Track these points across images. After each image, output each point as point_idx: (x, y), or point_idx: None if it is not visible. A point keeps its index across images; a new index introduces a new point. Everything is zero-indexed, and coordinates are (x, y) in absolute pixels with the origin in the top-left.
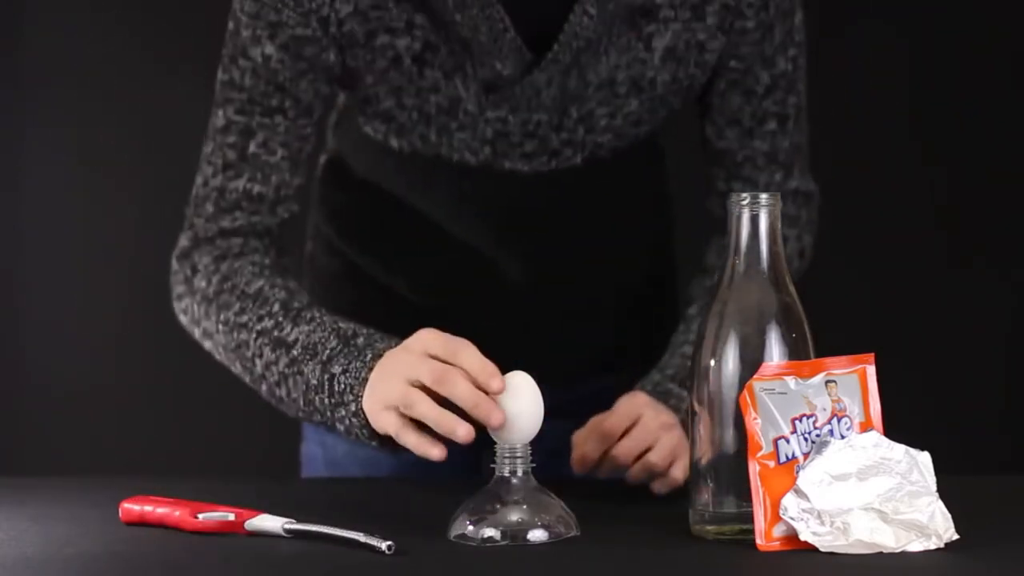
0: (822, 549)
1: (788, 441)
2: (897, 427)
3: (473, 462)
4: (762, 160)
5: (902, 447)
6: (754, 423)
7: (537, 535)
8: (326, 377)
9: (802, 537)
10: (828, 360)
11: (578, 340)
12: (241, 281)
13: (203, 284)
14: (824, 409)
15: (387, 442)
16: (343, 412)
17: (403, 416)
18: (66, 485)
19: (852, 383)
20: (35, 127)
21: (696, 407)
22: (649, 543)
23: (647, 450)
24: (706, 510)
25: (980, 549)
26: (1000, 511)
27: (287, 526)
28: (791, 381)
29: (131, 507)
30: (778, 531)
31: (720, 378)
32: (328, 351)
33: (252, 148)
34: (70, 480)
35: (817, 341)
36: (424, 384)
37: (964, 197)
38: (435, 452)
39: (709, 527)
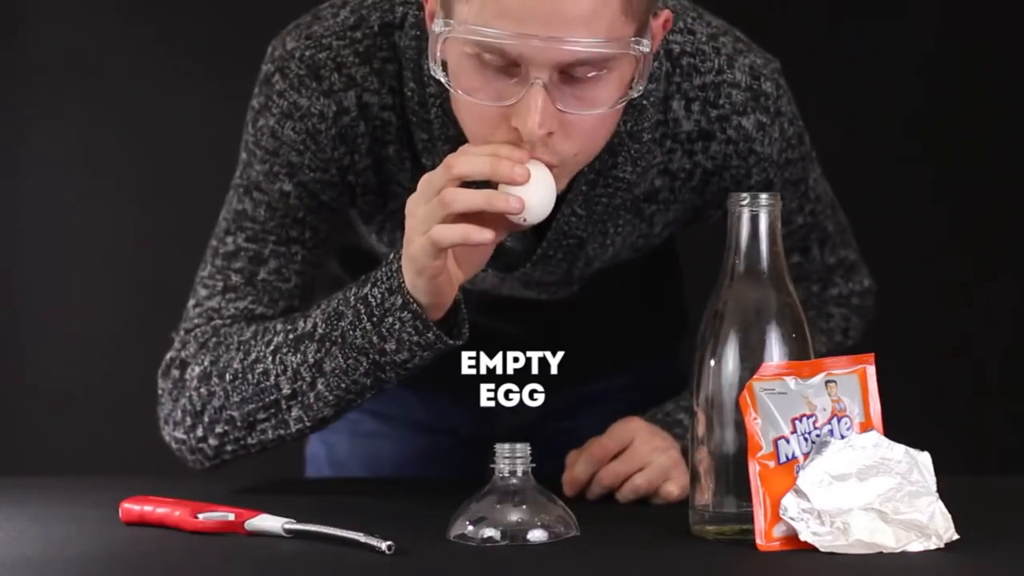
0: (822, 549)
1: (788, 441)
2: (897, 427)
3: (478, 462)
4: (807, 245)
5: (902, 447)
6: (754, 423)
7: (537, 535)
8: (361, 308)
9: (802, 537)
10: (828, 360)
11: (582, 344)
12: (235, 338)
13: (197, 370)
14: (824, 409)
15: (449, 329)
16: (391, 319)
17: (443, 224)
18: (66, 485)
19: (852, 383)
20: (35, 127)
21: (696, 407)
22: (649, 543)
23: (638, 471)
24: (706, 510)
25: (980, 549)
26: (1000, 511)
27: (287, 526)
28: (791, 381)
29: (131, 507)
30: (778, 531)
31: (720, 378)
32: (350, 305)
33: (262, 275)
34: (70, 480)
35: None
36: (438, 218)
37: (964, 197)
38: (487, 235)
39: (709, 527)
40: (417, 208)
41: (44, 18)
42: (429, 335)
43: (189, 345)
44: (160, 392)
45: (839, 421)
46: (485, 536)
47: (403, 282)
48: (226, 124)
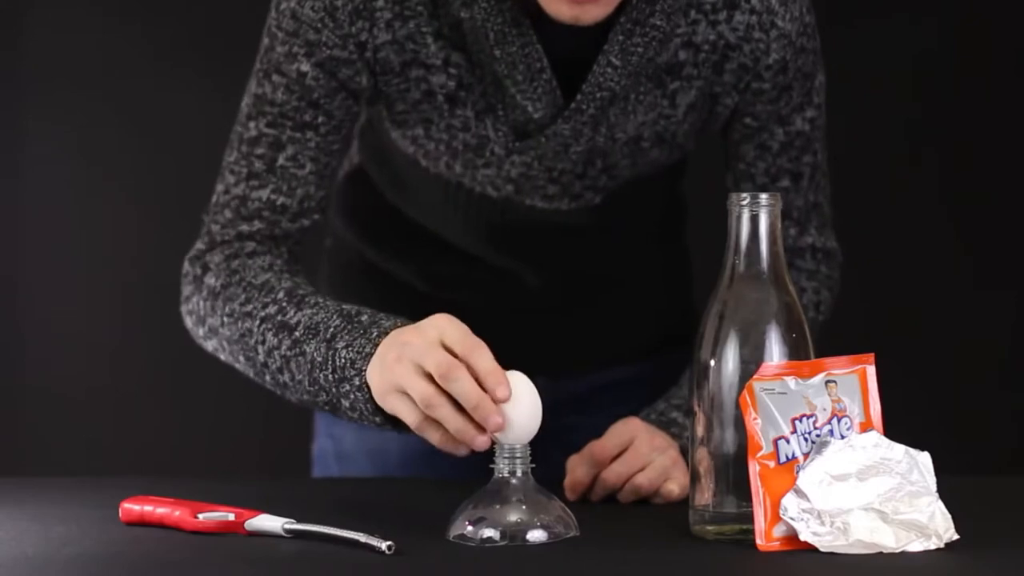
0: (822, 549)
1: (788, 441)
2: (897, 427)
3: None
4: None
5: (902, 447)
6: (754, 423)
7: (536, 535)
8: (329, 353)
9: (802, 537)
10: (828, 360)
11: (589, 331)
12: (249, 274)
13: (212, 281)
14: (824, 409)
15: (392, 421)
16: (347, 387)
17: (419, 410)
18: (66, 485)
19: (852, 383)
20: (35, 127)
21: (696, 407)
22: (649, 543)
23: (639, 471)
24: (706, 510)
25: (980, 549)
26: (1000, 511)
27: (287, 526)
28: (791, 381)
29: (131, 507)
30: (778, 531)
31: (720, 378)
32: (331, 329)
33: (281, 160)
34: (70, 480)
35: (817, 340)
36: (429, 373)
37: (964, 197)
38: (462, 450)
39: (709, 527)
40: (405, 348)
41: (44, 18)
42: (376, 419)
43: (216, 252)
44: (184, 275)
45: (839, 421)
46: (485, 536)
47: (364, 369)
48: (225, 124)
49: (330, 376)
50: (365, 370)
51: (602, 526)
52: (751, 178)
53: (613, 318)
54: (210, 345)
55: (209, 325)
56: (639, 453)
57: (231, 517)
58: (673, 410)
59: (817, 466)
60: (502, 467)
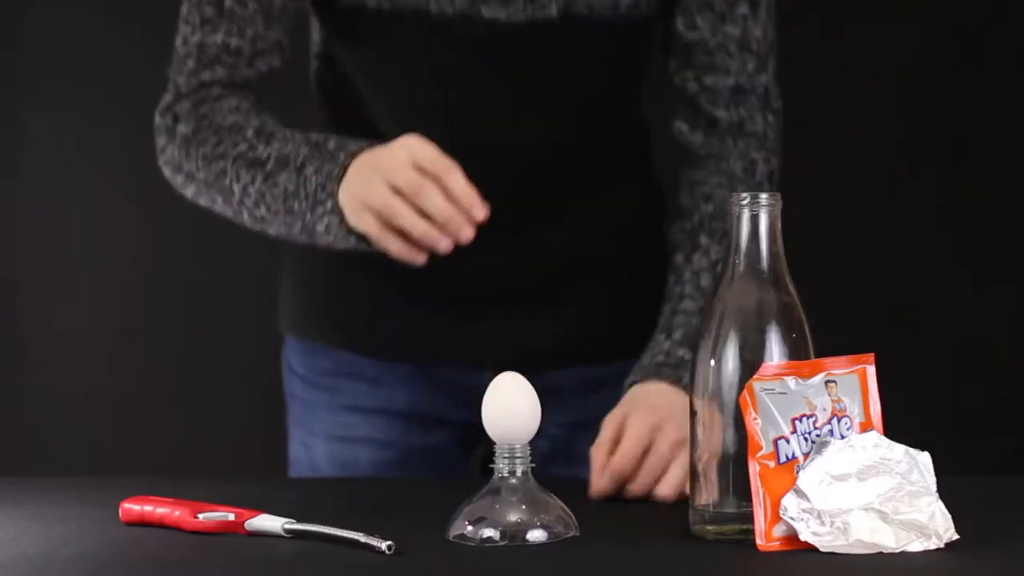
0: (822, 549)
1: (788, 441)
2: (897, 427)
3: (462, 463)
4: (734, 47)
5: (902, 447)
6: (754, 423)
7: (536, 535)
8: (300, 180)
9: (802, 537)
10: (828, 360)
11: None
12: (217, 118)
13: (183, 129)
14: (824, 409)
15: (366, 240)
16: (320, 211)
17: (383, 221)
18: (66, 485)
19: (852, 383)
20: (35, 127)
21: (696, 407)
22: (649, 543)
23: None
24: (706, 510)
25: (980, 549)
26: (1000, 511)
27: (287, 526)
28: (791, 381)
29: (131, 507)
30: (778, 531)
31: (720, 378)
32: (300, 158)
33: (227, 3)
34: (70, 480)
35: (817, 341)
36: (397, 188)
37: (964, 197)
38: (419, 258)
39: (709, 527)
40: (376, 166)
41: (44, 18)
42: (351, 240)
43: (184, 101)
44: (156, 128)
45: (839, 421)
46: (484, 536)
47: (335, 191)
48: None
49: (304, 203)
50: (336, 192)
51: (602, 526)
52: (708, 5)
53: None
54: (189, 192)
55: (185, 171)
56: (660, 456)
57: (231, 517)
58: (679, 347)
59: (817, 466)
60: (502, 467)
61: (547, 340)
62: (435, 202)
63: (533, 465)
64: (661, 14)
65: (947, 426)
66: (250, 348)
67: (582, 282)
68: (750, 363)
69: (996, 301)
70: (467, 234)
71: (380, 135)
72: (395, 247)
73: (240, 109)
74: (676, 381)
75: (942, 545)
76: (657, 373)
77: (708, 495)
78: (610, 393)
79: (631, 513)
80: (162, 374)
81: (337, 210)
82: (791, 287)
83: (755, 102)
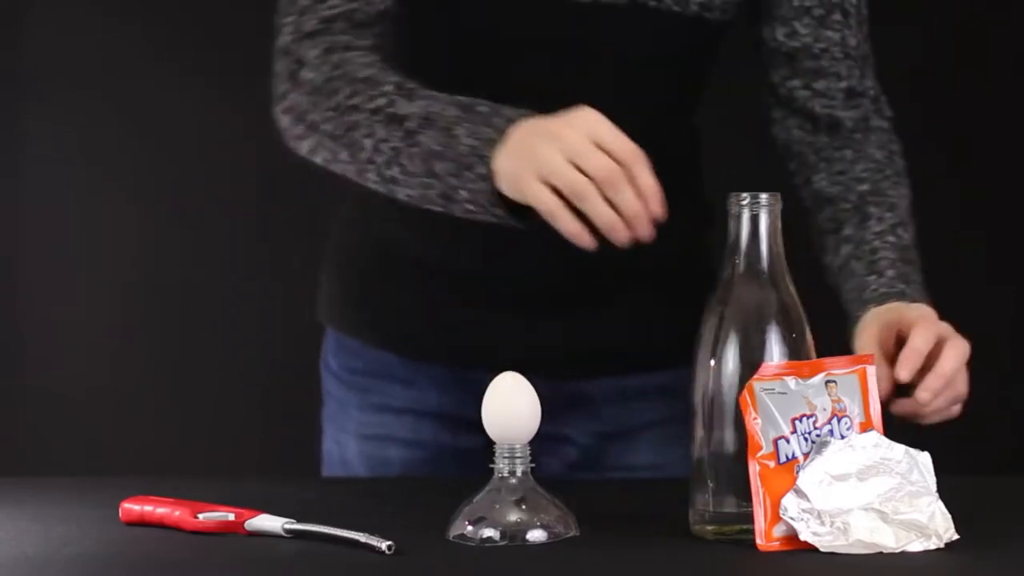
0: (822, 549)
1: (788, 441)
2: (897, 427)
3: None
4: (838, 51)
5: (902, 447)
6: (754, 423)
7: (536, 535)
8: (448, 141)
9: (802, 537)
10: (828, 360)
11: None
12: (351, 68)
13: (311, 75)
14: (824, 409)
15: (519, 210)
16: (468, 176)
17: (562, 197)
18: (66, 485)
19: (852, 383)
20: (35, 127)
21: (696, 407)
22: (649, 543)
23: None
24: (706, 510)
25: (980, 549)
26: (1000, 511)
27: (287, 526)
28: (791, 381)
29: (131, 507)
30: (778, 531)
31: (720, 378)
32: (448, 119)
33: None
34: (70, 480)
35: (817, 341)
36: (583, 170)
37: (964, 197)
38: (590, 241)
39: (709, 527)
40: (555, 138)
41: (44, 18)
42: (498, 211)
43: (307, 44)
44: (276, 73)
45: (839, 421)
46: (484, 536)
47: (489, 156)
48: (225, 124)
49: (449, 166)
50: (490, 158)
51: (602, 526)
52: (806, 11)
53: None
54: (306, 145)
55: (310, 121)
56: (961, 345)
57: (231, 517)
58: (896, 282)
59: (817, 466)
60: (502, 467)
61: (583, 349)
62: (627, 196)
63: (533, 465)
64: (746, 23)
65: (947, 426)
66: (250, 348)
67: (622, 292)
68: (750, 363)
69: (996, 301)
70: (648, 234)
71: None
72: (572, 227)
73: (375, 64)
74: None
75: (942, 545)
76: (886, 299)
77: (708, 495)
78: (642, 404)
79: (631, 513)
80: (162, 374)
81: (488, 177)
82: (791, 287)
83: (869, 104)
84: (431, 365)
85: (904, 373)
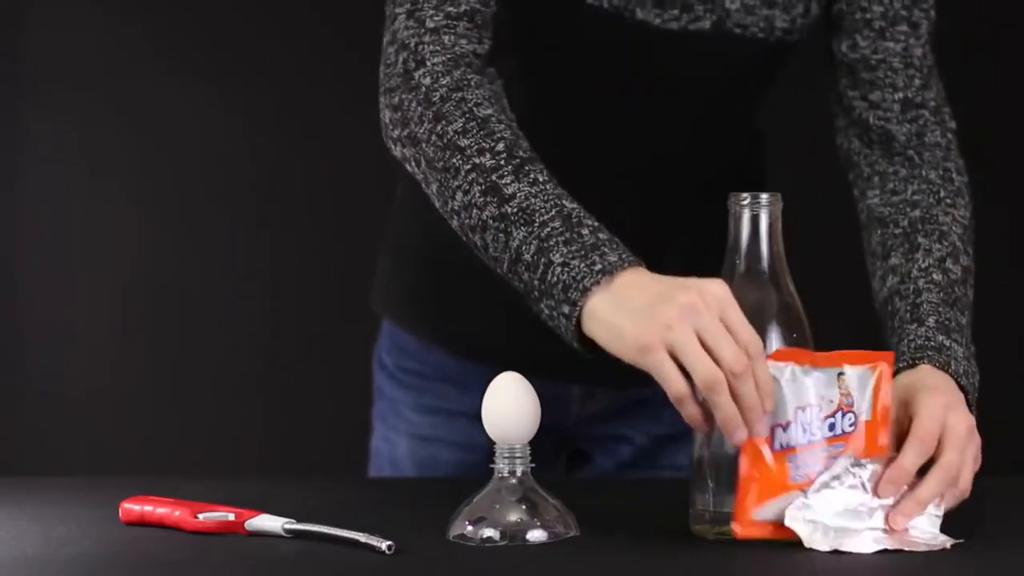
0: (804, 540)
1: (786, 429)
2: None
3: (541, 466)
4: (898, 62)
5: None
6: None
7: (536, 535)
8: (540, 260)
9: (787, 521)
10: (845, 353)
11: None
12: (472, 97)
13: (428, 82)
14: (831, 401)
15: (592, 346)
16: (551, 303)
17: (685, 382)
18: (66, 485)
19: (865, 378)
20: (35, 127)
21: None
22: (649, 543)
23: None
24: (706, 510)
25: (980, 549)
26: (1000, 511)
27: (287, 526)
28: (801, 369)
29: (131, 507)
30: (758, 516)
31: None
32: (548, 228)
33: None
34: (70, 480)
35: (817, 341)
36: (715, 357)
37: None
38: (706, 429)
39: (709, 527)
40: (685, 307)
41: (44, 18)
42: (573, 343)
43: (430, 43)
44: (387, 62)
45: (843, 415)
46: (484, 536)
47: (581, 304)
48: (225, 124)
49: (535, 282)
50: (581, 304)
51: (602, 526)
52: (867, 24)
53: None
54: (401, 151)
55: (411, 132)
56: (952, 467)
57: (231, 517)
58: (936, 333)
59: (828, 496)
60: (502, 467)
61: None
62: (750, 390)
63: (533, 465)
64: (822, 35)
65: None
66: (250, 348)
67: None
68: None
69: (996, 300)
70: (761, 433)
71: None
72: (695, 415)
73: (495, 103)
74: (943, 367)
75: (947, 545)
76: (921, 356)
77: (708, 495)
78: None
79: (631, 513)
80: (162, 374)
81: (574, 317)
82: (791, 287)
83: (928, 115)
84: (485, 367)
85: (884, 494)
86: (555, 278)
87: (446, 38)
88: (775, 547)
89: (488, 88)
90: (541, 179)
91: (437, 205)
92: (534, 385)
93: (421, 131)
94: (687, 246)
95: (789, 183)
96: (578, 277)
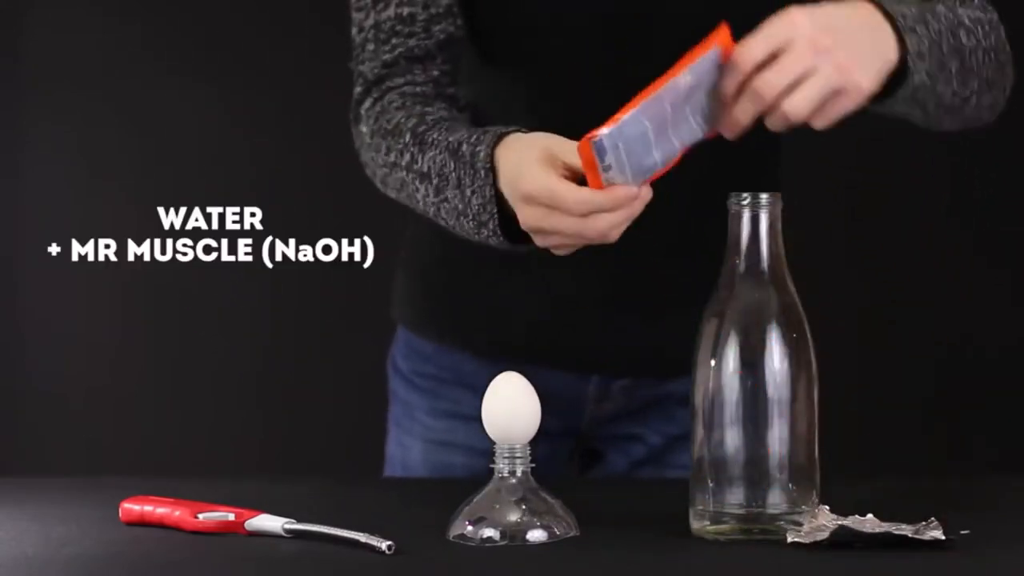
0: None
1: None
2: (897, 425)
3: (557, 469)
4: None
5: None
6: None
7: (536, 535)
8: (464, 199)
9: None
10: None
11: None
12: (384, 120)
13: (364, 130)
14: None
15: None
16: (486, 232)
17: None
18: (66, 485)
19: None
20: (35, 127)
21: (696, 407)
22: (649, 543)
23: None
24: (706, 510)
25: (980, 549)
26: (1000, 511)
27: (287, 526)
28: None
29: (131, 507)
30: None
31: (720, 378)
32: (453, 175)
33: None
34: (70, 480)
35: (817, 341)
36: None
37: (966, 197)
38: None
39: (709, 527)
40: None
41: (44, 18)
42: (521, 248)
43: (369, 96)
44: (352, 127)
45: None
46: (484, 536)
47: (495, 217)
48: (225, 124)
49: (470, 223)
50: (495, 214)
51: (602, 526)
52: None
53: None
54: (391, 195)
55: (379, 176)
56: (798, 59)
57: (231, 517)
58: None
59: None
60: (502, 467)
61: (660, 352)
62: (565, 224)
63: (533, 465)
64: None
65: (947, 425)
66: (251, 348)
67: (700, 294)
68: (750, 363)
69: (997, 300)
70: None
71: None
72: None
73: (406, 102)
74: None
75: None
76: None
77: (708, 495)
78: None
79: (631, 513)
80: (162, 374)
81: (498, 233)
82: (791, 287)
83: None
84: (507, 366)
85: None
86: (474, 208)
87: (383, 84)
88: (775, 547)
89: (406, 92)
90: (438, 137)
91: (431, 216)
92: (552, 381)
93: (380, 172)
94: (696, 248)
95: (789, 183)
96: (483, 194)
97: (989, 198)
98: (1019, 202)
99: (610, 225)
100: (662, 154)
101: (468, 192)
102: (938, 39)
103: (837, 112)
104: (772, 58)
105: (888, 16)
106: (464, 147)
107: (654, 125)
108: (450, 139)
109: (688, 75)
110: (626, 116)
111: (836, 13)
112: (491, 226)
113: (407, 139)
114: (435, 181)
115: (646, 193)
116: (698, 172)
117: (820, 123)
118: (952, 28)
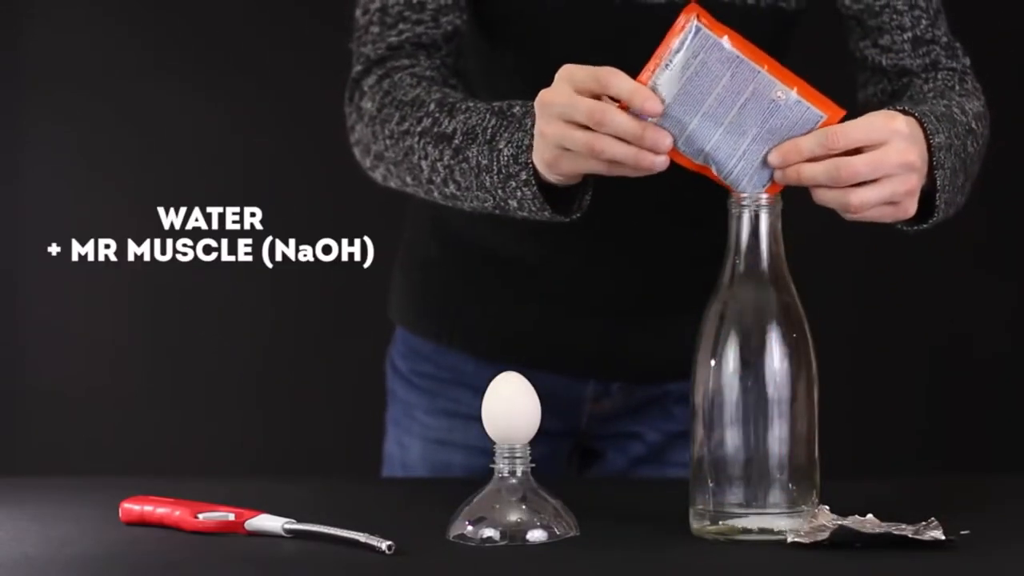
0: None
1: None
2: (897, 425)
3: (556, 470)
4: (902, 4)
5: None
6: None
7: (536, 535)
8: (493, 155)
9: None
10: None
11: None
12: (399, 93)
13: (368, 105)
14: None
15: (561, 211)
16: (513, 184)
17: (583, 161)
18: (66, 485)
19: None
20: (35, 127)
21: (696, 407)
22: (649, 543)
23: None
24: (706, 510)
25: (980, 549)
26: (1000, 511)
27: (287, 526)
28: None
29: (131, 507)
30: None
31: (720, 378)
32: (489, 130)
33: None
34: (70, 480)
35: (817, 341)
36: (583, 124)
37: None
38: (646, 163)
39: (709, 527)
40: (550, 111)
41: (44, 18)
42: (546, 213)
43: (371, 74)
44: (347, 111)
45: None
46: (484, 536)
47: (530, 161)
48: (225, 124)
49: (495, 178)
50: (530, 162)
51: (602, 526)
52: None
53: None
54: (379, 174)
55: (374, 152)
56: (886, 161)
57: (231, 517)
58: (927, 115)
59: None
60: (502, 467)
61: (659, 354)
62: (618, 121)
63: (533, 465)
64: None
65: (948, 424)
66: (250, 348)
67: (697, 298)
68: (750, 363)
69: (997, 300)
70: (665, 143)
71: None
72: (600, 167)
73: (422, 82)
74: (920, 120)
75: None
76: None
77: (708, 495)
78: None
79: (631, 513)
80: (162, 374)
81: (532, 183)
82: (791, 287)
83: (939, 50)
84: (506, 367)
85: (771, 159)
86: (505, 159)
87: (386, 64)
88: (775, 547)
89: (417, 69)
90: (473, 104)
91: (423, 195)
92: (551, 384)
93: (379, 146)
94: (694, 251)
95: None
96: (520, 144)
97: (989, 199)
98: (1019, 202)
99: (620, 132)
100: (696, 129)
101: (501, 144)
102: (960, 166)
103: (876, 218)
104: (859, 147)
105: (930, 148)
106: (516, 107)
107: (723, 91)
108: (495, 104)
109: (781, 92)
110: (728, 46)
111: (918, 135)
112: (523, 176)
113: (431, 108)
114: (456, 141)
115: (662, 162)
116: (697, 174)
117: (853, 217)
118: (963, 139)
